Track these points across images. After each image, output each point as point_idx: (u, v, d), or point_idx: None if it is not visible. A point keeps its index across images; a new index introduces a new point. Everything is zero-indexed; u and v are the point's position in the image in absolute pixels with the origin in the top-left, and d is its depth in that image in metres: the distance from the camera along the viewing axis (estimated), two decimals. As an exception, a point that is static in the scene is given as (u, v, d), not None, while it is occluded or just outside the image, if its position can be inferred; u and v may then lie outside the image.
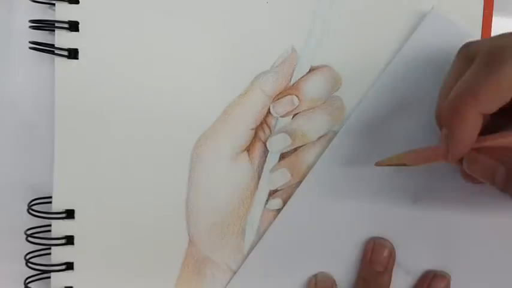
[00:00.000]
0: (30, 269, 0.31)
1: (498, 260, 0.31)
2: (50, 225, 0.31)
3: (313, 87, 0.31)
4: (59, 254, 0.31)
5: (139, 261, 0.32)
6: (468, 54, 0.25)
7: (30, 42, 0.31)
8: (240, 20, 0.31)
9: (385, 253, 0.31)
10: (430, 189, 0.31)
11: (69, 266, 0.31)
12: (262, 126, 0.32)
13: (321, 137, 0.32)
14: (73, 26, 0.30)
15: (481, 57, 0.24)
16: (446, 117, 0.24)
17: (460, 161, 0.26)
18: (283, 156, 0.32)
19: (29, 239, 0.31)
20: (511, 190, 0.24)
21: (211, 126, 0.31)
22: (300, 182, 0.32)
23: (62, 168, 0.31)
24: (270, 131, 0.32)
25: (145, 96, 0.31)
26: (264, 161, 0.32)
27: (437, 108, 0.27)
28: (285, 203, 0.32)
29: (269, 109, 0.32)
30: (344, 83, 0.32)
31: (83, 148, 0.31)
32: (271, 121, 0.32)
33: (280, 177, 0.32)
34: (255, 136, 0.32)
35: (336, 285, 0.32)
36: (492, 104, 0.23)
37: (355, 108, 0.31)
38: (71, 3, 0.30)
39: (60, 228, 0.31)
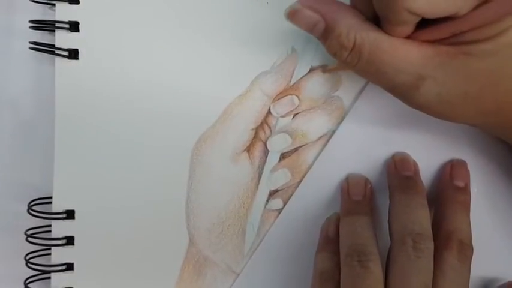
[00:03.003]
0: (30, 269, 0.31)
1: None
2: (50, 226, 0.31)
3: (313, 87, 0.31)
4: (59, 255, 0.31)
5: (139, 261, 0.32)
6: None
7: (30, 42, 0.31)
8: (240, 20, 0.31)
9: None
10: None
11: (69, 266, 0.31)
12: (263, 126, 0.32)
13: (321, 137, 0.32)
14: (73, 26, 0.30)
15: None
16: None
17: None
18: (283, 156, 0.32)
19: (29, 239, 0.31)
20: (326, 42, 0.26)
21: (211, 127, 0.31)
22: (301, 182, 0.32)
23: (62, 168, 0.31)
24: (270, 131, 0.32)
25: (146, 96, 0.31)
26: (265, 161, 0.32)
27: None
28: (285, 203, 0.32)
29: (269, 109, 0.31)
30: (344, 83, 0.32)
31: (83, 148, 0.31)
32: (271, 121, 0.32)
33: (280, 177, 0.32)
34: (255, 136, 0.32)
35: (369, 182, 0.31)
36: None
37: (353, 105, 0.31)
38: (71, 3, 0.30)
39: (60, 228, 0.31)
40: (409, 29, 0.24)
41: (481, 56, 0.24)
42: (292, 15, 0.26)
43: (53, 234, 0.31)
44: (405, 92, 0.25)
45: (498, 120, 0.26)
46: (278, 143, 0.32)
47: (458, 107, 0.25)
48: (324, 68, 0.31)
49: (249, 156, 0.32)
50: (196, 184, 0.32)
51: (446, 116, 0.26)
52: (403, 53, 0.24)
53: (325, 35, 0.26)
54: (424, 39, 0.24)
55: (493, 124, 0.27)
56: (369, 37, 0.24)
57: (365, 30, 0.25)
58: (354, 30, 0.25)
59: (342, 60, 0.26)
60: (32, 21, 0.30)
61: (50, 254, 0.31)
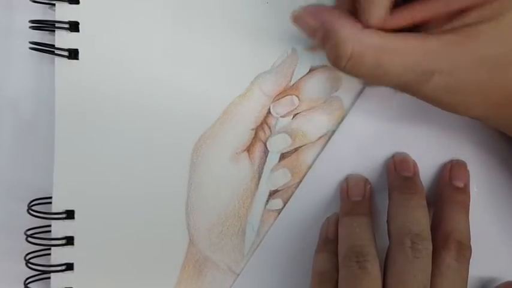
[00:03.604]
0: (30, 269, 0.31)
1: None
2: (50, 226, 0.31)
3: (313, 87, 0.31)
4: (59, 255, 0.31)
5: (139, 261, 0.32)
6: None
7: (30, 42, 0.30)
8: (240, 20, 0.31)
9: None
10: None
11: (69, 266, 0.31)
12: (263, 126, 0.32)
13: (321, 137, 0.32)
14: (73, 27, 0.30)
15: None
16: None
17: None
18: (283, 156, 0.32)
19: (29, 239, 0.31)
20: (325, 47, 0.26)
21: (211, 127, 0.31)
22: (301, 182, 0.32)
23: (62, 169, 0.31)
24: (270, 131, 0.32)
25: (146, 96, 0.31)
26: (265, 161, 0.32)
27: None
28: (285, 203, 0.32)
29: (269, 109, 0.32)
30: (344, 83, 0.32)
31: (83, 148, 0.31)
32: (271, 121, 0.32)
33: (280, 178, 0.32)
34: (255, 136, 0.32)
35: (369, 182, 0.31)
36: None
37: (353, 106, 0.31)
38: (71, 3, 0.30)
39: (60, 228, 0.31)
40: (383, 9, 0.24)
41: (485, 40, 0.24)
42: (295, 19, 0.27)
43: (53, 234, 0.31)
44: (413, 88, 0.26)
45: (506, 112, 0.26)
46: (278, 143, 0.32)
47: (467, 98, 0.25)
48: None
49: (249, 157, 0.32)
50: (196, 184, 0.32)
51: (454, 108, 0.26)
52: (407, 51, 0.24)
53: (323, 43, 0.26)
54: (413, 18, 0.25)
55: (501, 117, 0.26)
56: (373, 42, 0.25)
57: (366, 37, 0.25)
58: (351, 40, 0.25)
59: (340, 69, 0.26)
60: (32, 21, 0.30)
61: (49, 254, 0.31)
